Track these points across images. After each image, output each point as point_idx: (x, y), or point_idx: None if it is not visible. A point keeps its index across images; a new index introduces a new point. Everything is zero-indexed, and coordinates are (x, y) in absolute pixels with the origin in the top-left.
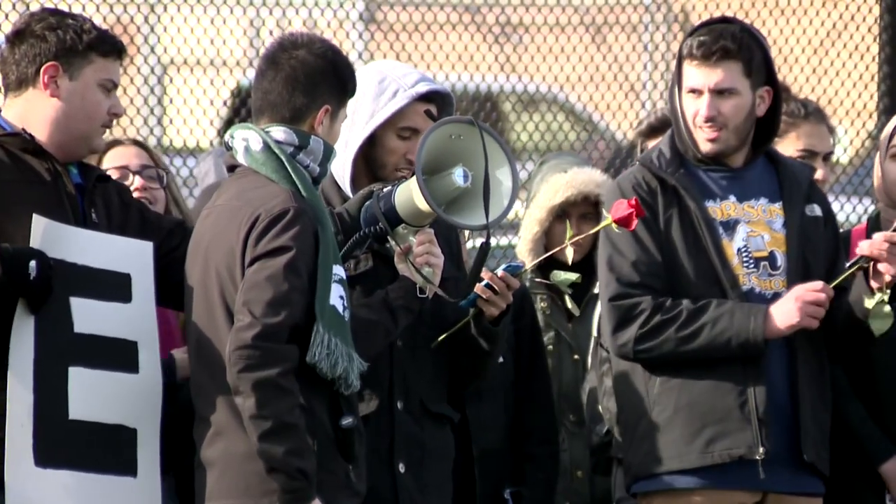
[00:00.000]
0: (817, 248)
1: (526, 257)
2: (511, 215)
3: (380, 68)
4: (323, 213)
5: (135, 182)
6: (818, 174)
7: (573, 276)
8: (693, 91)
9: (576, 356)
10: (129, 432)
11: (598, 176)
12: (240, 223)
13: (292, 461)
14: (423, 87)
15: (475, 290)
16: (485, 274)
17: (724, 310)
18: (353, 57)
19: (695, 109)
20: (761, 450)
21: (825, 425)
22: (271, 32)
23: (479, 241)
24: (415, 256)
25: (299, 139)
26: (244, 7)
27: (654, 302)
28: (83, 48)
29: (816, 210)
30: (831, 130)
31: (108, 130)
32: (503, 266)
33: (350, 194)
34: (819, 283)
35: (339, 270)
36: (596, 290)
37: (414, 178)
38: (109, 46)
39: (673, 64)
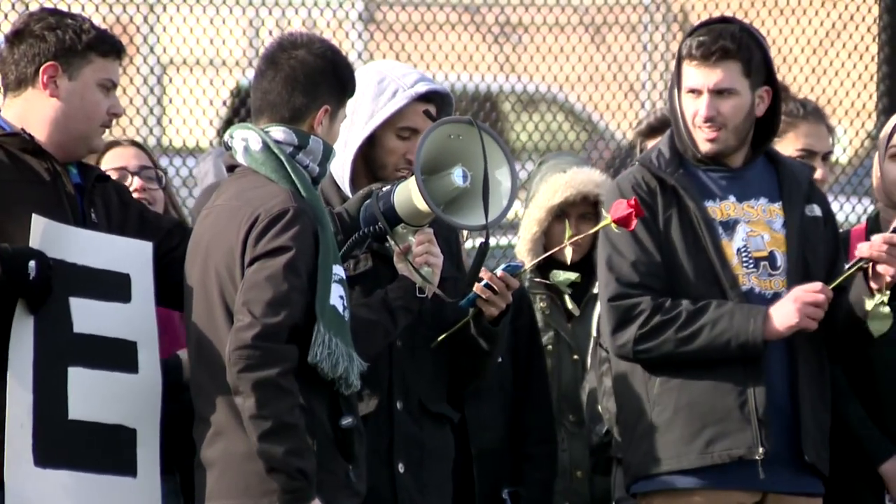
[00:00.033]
0: (817, 249)
1: (525, 257)
2: (510, 215)
3: (379, 68)
4: (322, 212)
5: (133, 183)
6: (817, 174)
7: (573, 276)
8: (692, 91)
9: (575, 356)
10: (129, 432)
11: (597, 176)
12: (239, 223)
13: (292, 461)
14: (422, 87)
15: (475, 290)
16: (484, 274)
17: (723, 311)
18: (352, 57)
19: (694, 109)
20: (761, 450)
21: (825, 425)
22: (271, 32)
23: (478, 241)
24: (414, 256)
25: (299, 139)
26: (244, 7)
27: (654, 302)
28: (82, 48)
29: (816, 210)
30: (830, 130)
31: (107, 130)
32: (502, 266)
33: (349, 194)
34: (818, 285)
35: (338, 270)
36: (595, 291)
37: (413, 177)
38: (109, 46)
39: (672, 64)
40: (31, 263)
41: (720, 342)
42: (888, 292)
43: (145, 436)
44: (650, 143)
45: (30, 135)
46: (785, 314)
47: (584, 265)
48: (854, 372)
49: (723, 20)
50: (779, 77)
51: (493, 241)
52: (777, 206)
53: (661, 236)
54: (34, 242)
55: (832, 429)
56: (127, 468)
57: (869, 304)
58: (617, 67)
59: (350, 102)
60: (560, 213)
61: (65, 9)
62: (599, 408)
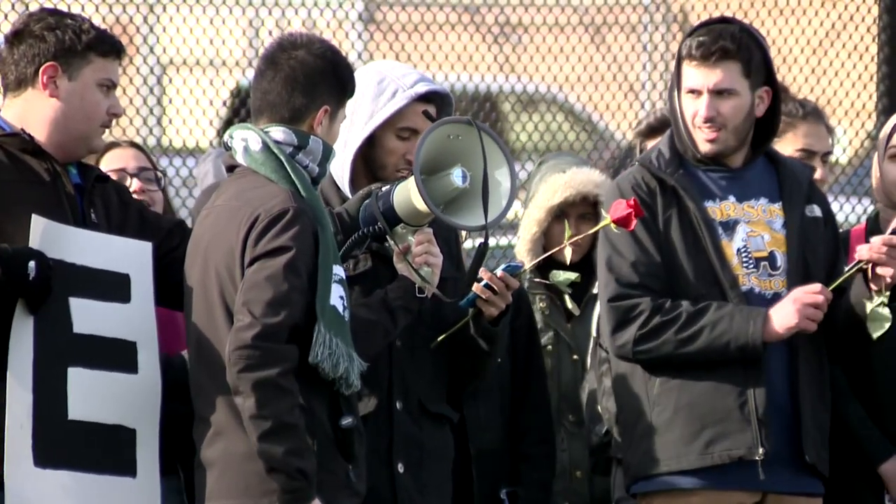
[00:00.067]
0: (817, 249)
1: (525, 257)
2: (510, 215)
3: (379, 68)
4: (322, 213)
5: (133, 185)
6: (817, 174)
7: (573, 276)
8: (692, 91)
9: (575, 356)
10: (128, 432)
11: (596, 176)
12: (239, 223)
13: (292, 461)
14: (422, 88)
15: (474, 290)
16: (484, 274)
17: (723, 312)
18: (352, 57)
19: (694, 110)
20: (761, 451)
21: (825, 426)
22: (271, 33)
23: (477, 242)
24: (413, 256)
25: (298, 139)
26: (243, 7)
27: (654, 303)
28: (82, 48)
29: (816, 211)
30: (830, 130)
31: (107, 130)
32: (502, 266)
33: (349, 195)
34: (817, 286)
35: (338, 270)
36: (595, 291)
37: (412, 177)
38: (108, 46)
39: (672, 64)
40: (31, 264)
41: (720, 344)
42: (888, 293)
43: (145, 436)
44: (650, 144)
45: (29, 135)
46: (784, 315)
47: (584, 265)
48: (854, 372)
49: (722, 20)
50: (779, 77)
51: (492, 242)
52: (777, 207)
53: (660, 237)
54: (34, 243)
55: (832, 429)
56: (126, 468)
57: (869, 306)
58: (617, 68)
59: (350, 103)
60: (560, 214)
61: (65, 9)
62: (599, 408)
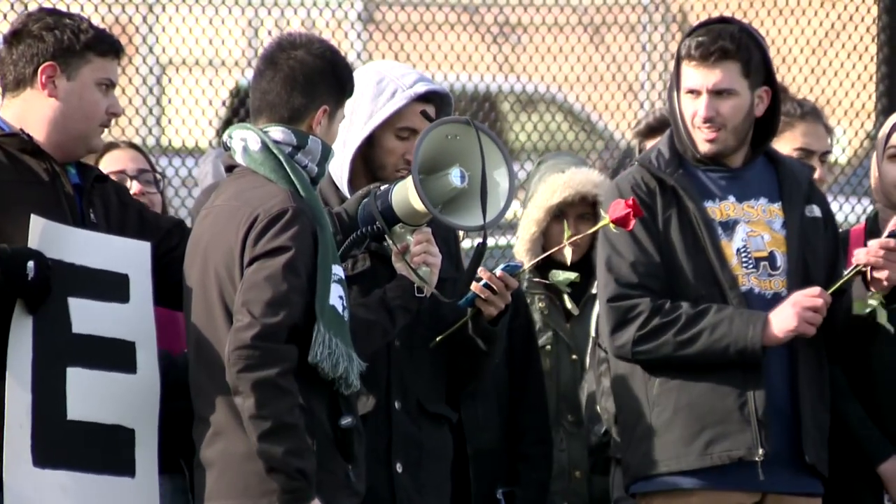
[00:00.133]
0: (817, 249)
1: (524, 257)
2: (509, 215)
3: (378, 68)
4: (321, 213)
5: (132, 187)
6: (815, 174)
7: (572, 276)
8: (691, 91)
9: (574, 356)
10: (127, 432)
11: (595, 176)
12: (238, 223)
13: (292, 461)
14: (421, 88)
15: (473, 289)
16: (483, 274)
17: (723, 316)
18: (351, 57)
19: (693, 110)
20: (760, 451)
21: (825, 426)
22: (270, 32)
23: (476, 241)
24: (412, 256)
25: (297, 139)
26: (243, 7)
27: (653, 304)
28: (80, 48)
29: (816, 211)
30: (828, 130)
31: (106, 130)
32: (501, 266)
33: (348, 195)
34: (817, 290)
35: (338, 270)
36: (594, 291)
37: (410, 177)
38: (107, 46)
39: (671, 64)
40: (30, 264)
41: (719, 347)
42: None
43: (144, 436)
44: (649, 144)
45: (28, 135)
46: (783, 319)
47: (583, 265)
48: (853, 372)
49: (722, 20)
50: (778, 77)
51: (491, 242)
52: (777, 207)
53: (660, 237)
54: (33, 243)
55: (831, 429)
56: (125, 468)
57: (869, 306)
58: (616, 67)
59: (349, 103)
60: (559, 214)
61: (64, 9)
62: (598, 408)
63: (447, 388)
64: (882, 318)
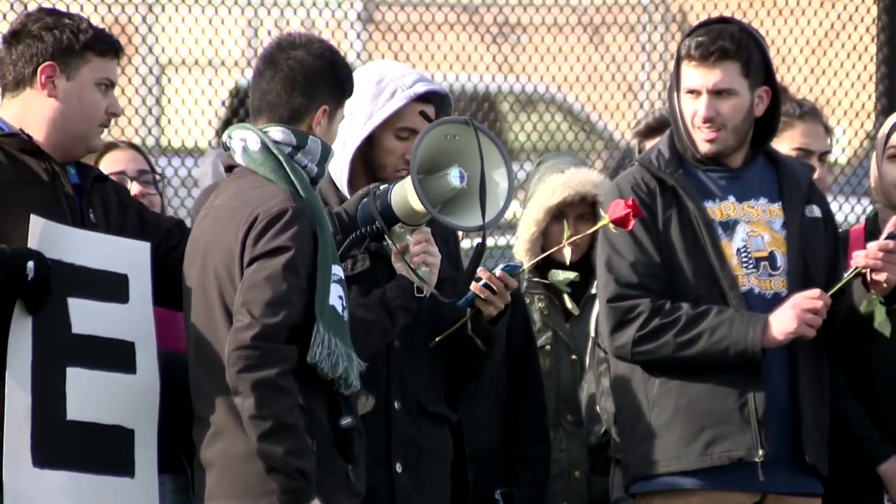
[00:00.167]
0: (817, 250)
1: (523, 257)
2: (508, 215)
3: (378, 69)
4: (321, 213)
5: (132, 188)
6: (815, 174)
7: (572, 275)
8: (691, 91)
9: (573, 356)
10: (127, 433)
11: (595, 176)
12: (238, 223)
13: (291, 461)
14: (421, 88)
15: (473, 289)
16: (482, 273)
17: (723, 318)
18: (351, 57)
19: (693, 110)
20: (760, 452)
21: (825, 426)
22: (269, 32)
23: (475, 241)
24: (411, 256)
25: (297, 139)
26: (242, 7)
27: (653, 304)
28: (80, 48)
29: (816, 211)
30: (828, 130)
31: (106, 130)
32: (501, 266)
33: (347, 195)
34: (816, 292)
35: (337, 270)
36: (594, 291)
37: (409, 177)
38: (106, 45)
39: (671, 64)
40: (30, 264)
41: (719, 349)
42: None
43: (143, 436)
44: (649, 144)
45: (28, 135)
46: (783, 321)
47: (583, 265)
48: (853, 372)
49: (722, 20)
50: (778, 77)
51: (491, 242)
52: (777, 207)
53: (660, 237)
54: (32, 243)
55: (831, 429)
56: (125, 469)
57: (868, 308)
58: (616, 68)
59: (348, 103)
60: (558, 214)
61: (63, 9)
62: (598, 408)
63: (447, 389)
64: (880, 319)
